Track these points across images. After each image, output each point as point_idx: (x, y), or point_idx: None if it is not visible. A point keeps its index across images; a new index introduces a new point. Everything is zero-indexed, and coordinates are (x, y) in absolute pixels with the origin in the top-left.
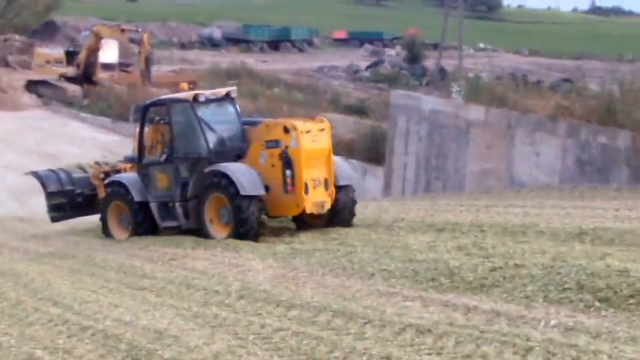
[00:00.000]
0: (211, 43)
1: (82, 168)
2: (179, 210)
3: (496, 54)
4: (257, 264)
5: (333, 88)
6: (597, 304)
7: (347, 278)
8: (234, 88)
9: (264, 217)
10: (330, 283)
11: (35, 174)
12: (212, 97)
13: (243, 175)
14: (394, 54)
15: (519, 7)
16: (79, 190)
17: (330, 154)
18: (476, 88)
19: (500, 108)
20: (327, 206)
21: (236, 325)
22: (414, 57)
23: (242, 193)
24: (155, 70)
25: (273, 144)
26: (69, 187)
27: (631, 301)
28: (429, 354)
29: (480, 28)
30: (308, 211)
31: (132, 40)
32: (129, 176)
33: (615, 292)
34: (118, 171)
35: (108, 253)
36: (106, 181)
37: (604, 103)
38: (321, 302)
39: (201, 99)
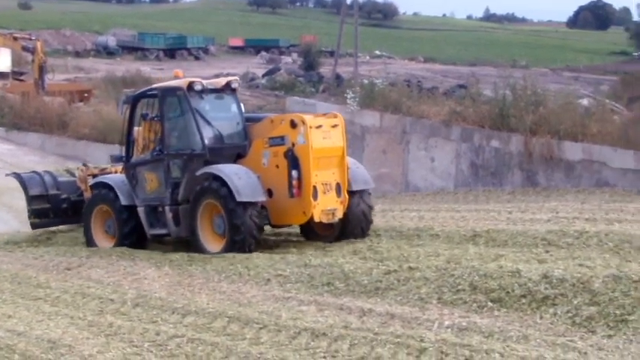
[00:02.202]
0: (106, 52)
1: (69, 171)
2: (169, 215)
3: (392, 61)
4: (153, 272)
5: None
6: (490, 304)
7: (243, 284)
8: (236, 77)
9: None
10: (226, 289)
11: (17, 176)
12: (210, 86)
13: (239, 178)
14: (290, 61)
15: (415, 14)
16: (64, 195)
17: (344, 154)
18: (371, 94)
19: (395, 114)
20: (339, 215)
21: (131, 333)
22: (310, 64)
23: (238, 199)
24: (49, 78)
25: (278, 141)
26: (53, 191)
27: (523, 300)
28: (324, 357)
29: (375, 35)
30: (316, 220)
31: (25, 49)
32: (116, 177)
33: (507, 292)
34: (108, 174)
35: (1, 263)
36: (90, 182)
37: (497, 108)
38: (217, 308)
39: (197, 87)
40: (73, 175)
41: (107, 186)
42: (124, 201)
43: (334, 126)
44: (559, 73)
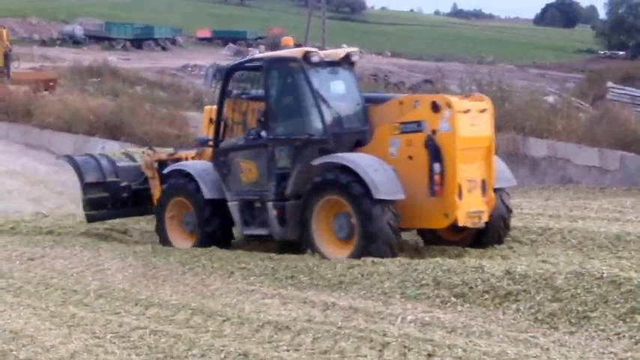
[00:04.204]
0: (73, 41)
1: (128, 155)
2: (272, 213)
3: (359, 55)
4: (117, 263)
5: (196, 87)
6: (453, 299)
7: (207, 276)
8: (356, 49)
9: None
10: (190, 282)
11: (71, 160)
12: (327, 59)
13: (375, 171)
14: (258, 53)
15: (383, 9)
16: (124, 183)
17: (492, 145)
18: None
19: None
20: (485, 218)
21: (94, 325)
22: None
23: (376, 196)
24: (14, 67)
25: (414, 127)
26: (112, 179)
27: (486, 296)
28: (287, 350)
29: (343, 28)
30: (461, 224)
31: None
32: (198, 165)
33: (471, 287)
34: (178, 160)
35: None
36: (166, 170)
37: None
38: (180, 300)
39: (314, 59)
40: (132, 159)
41: (187, 175)
42: (207, 194)
43: (482, 111)
44: (525, 69)
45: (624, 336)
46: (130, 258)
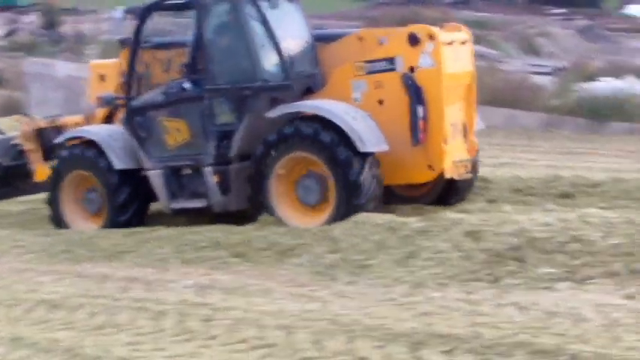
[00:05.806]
0: None
1: None
2: (211, 180)
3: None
4: None
5: None
6: (233, 259)
7: None
8: None
9: None
10: None
11: None
12: None
13: (354, 119)
14: (31, 21)
15: None
16: None
17: (474, 83)
18: (110, 51)
19: None
20: (470, 167)
21: None
22: (51, 23)
23: (362, 149)
24: None
25: (383, 65)
26: None
27: (265, 253)
28: (61, 329)
29: None
30: (448, 176)
31: None
32: (102, 130)
33: (250, 246)
34: (61, 127)
35: None
36: (59, 139)
37: None
38: None
39: None
40: (0, 132)
41: (88, 142)
42: (117, 163)
43: (464, 42)
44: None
45: (404, 280)
46: None
